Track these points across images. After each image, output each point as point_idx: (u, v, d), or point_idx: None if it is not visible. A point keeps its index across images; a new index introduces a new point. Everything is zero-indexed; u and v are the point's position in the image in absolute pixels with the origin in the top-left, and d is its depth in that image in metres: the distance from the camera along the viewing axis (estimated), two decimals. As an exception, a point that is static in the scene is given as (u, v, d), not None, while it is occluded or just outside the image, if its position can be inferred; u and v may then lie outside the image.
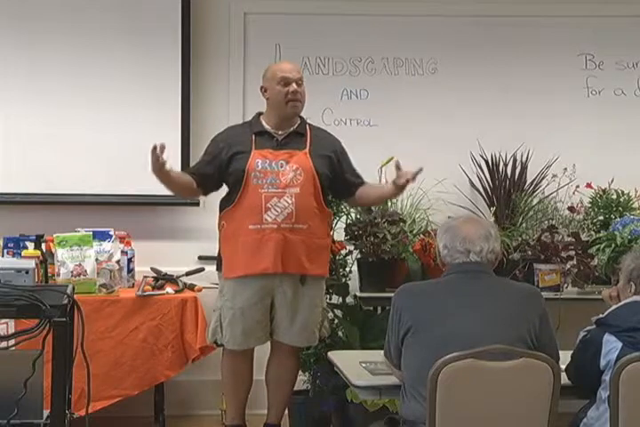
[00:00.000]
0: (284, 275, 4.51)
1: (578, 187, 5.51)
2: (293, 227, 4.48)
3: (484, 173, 5.60)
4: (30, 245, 4.97)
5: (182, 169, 5.21)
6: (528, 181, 5.54)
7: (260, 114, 4.67)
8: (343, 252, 5.14)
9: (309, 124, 4.67)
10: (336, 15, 5.67)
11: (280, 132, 4.58)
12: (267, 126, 4.60)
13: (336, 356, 4.02)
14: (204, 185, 4.64)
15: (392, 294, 3.59)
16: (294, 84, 4.54)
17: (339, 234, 5.11)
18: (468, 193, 5.64)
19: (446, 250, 3.53)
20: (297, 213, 4.48)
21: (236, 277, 4.54)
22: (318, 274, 4.60)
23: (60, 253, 4.82)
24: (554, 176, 5.54)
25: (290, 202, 4.47)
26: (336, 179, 4.63)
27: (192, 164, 4.98)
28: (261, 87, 4.64)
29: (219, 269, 4.66)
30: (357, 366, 3.75)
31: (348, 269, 5.16)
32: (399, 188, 4.45)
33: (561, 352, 3.49)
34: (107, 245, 5.01)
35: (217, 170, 4.58)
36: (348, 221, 5.18)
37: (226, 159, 4.56)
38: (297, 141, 4.58)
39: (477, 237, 3.51)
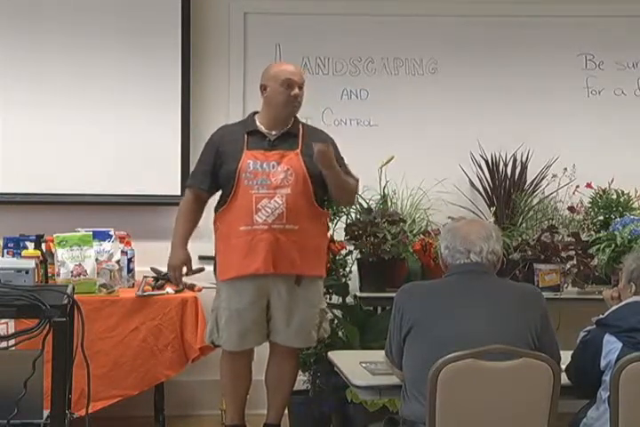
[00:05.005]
0: (278, 276, 4.48)
1: (578, 187, 5.51)
2: (285, 228, 4.45)
3: (483, 173, 5.59)
4: (30, 245, 4.97)
5: (183, 171, 5.24)
6: (528, 181, 5.54)
7: (254, 113, 4.65)
8: (343, 252, 5.13)
9: (303, 124, 4.63)
10: (336, 15, 5.67)
11: (273, 132, 4.55)
12: (260, 126, 4.57)
13: (336, 356, 4.02)
14: (211, 192, 4.66)
15: (392, 294, 3.60)
16: (297, 88, 4.52)
17: (339, 234, 5.11)
18: (468, 193, 5.64)
19: (447, 250, 3.54)
20: (288, 213, 4.45)
21: (228, 278, 4.53)
22: (313, 275, 4.56)
23: (60, 253, 4.82)
24: (554, 176, 5.54)
25: (280, 203, 4.44)
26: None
27: (192, 164, 4.97)
28: (261, 85, 4.60)
29: (215, 270, 4.65)
30: (357, 366, 3.74)
31: (347, 269, 5.16)
32: (323, 166, 4.42)
33: (561, 352, 3.49)
34: (107, 245, 5.02)
35: (214, 171, 4.58)
36: (348, 221, 5.18)
37: (219, 160, 4.55)
38: (289, 142, 4.54)
39: (477, 237, 3.51)
